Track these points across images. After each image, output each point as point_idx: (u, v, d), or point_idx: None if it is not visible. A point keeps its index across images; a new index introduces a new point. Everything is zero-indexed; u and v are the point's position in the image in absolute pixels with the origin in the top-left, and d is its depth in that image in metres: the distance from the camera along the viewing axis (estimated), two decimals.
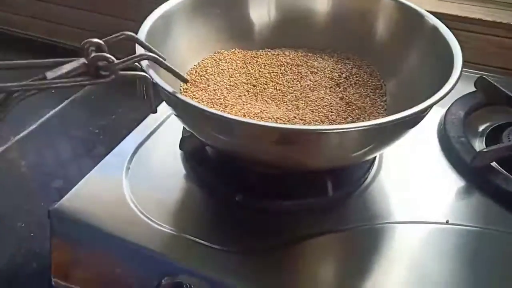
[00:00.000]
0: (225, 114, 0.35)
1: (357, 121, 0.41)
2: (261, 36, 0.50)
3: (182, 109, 0.37)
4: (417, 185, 0.42)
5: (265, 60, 0.48)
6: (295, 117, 0.40)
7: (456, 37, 0.40)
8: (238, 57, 0.48)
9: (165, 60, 0.36)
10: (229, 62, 0.47)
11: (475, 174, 0.42)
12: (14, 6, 0.84)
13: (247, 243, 0.37)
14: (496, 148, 0.42)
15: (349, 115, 0.41)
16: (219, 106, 0.42)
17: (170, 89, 0.34)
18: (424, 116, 0.36)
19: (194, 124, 0.38)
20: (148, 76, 0.33)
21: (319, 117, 0.41)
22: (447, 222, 0.38)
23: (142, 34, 0.39)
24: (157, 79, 0.34)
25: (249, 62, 0.48)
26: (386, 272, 0.36)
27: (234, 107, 0.41)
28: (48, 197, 0.56)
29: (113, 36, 0.33)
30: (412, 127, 0.36)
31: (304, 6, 0.50)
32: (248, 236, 0.38)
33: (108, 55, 0.30)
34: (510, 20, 0.56)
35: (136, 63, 0.34)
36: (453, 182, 0.42)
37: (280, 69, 0.47)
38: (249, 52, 0.49)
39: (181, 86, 0.44)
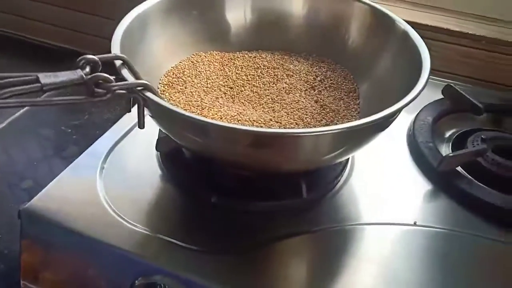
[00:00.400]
0: (202, 118, 0.35)
1: (331, 124, 0.42)
2: (238, 38, 0.51)
3: (158, 112, 0.37)
4: (386, 188, 0.43)
5: (242, 63, 0.49)
6: (271, 120, 0.41)
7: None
8: (216, 59, 0.49)
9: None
10: (206, 64, 0.48)
11: (441, 178, 0.43)
12: None
13: (222, 243, 0.37)
14: (461, 153, 0.44)
15: (324, 118, 0.43)
16: (196, 108, 0.42)
17: (154, 97, 0.34)
18: (393, 120, 0.37)
19: (169, 127, 0.38)
20: (143, 97, 0.34)
21: (294, 120, 0.42)
22: (415, 224, 0.40)
23: (117, 36, 0.39)
24: (151, 96, 0.34)
25: (227, 64, 0.48)
26: (356, 271, 0.37)
27: (211, 110, 0.42)
28: (17, 198, 0.54)
29: (106, 55, 0.35)
30: (382, 130, 0.37)
31: (280, 9, 0.51)
32: (223, 236, 0.38)
33: (107, 76, 0.32)
34: (476, 31, 0.59)
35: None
36: (421, 185, 0.44)
37: (256, 72, 0.48)
38: (226, 54, 0.50)
39: (158, 88, 0.44)
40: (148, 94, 0.34)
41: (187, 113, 0.35)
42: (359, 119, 0.43)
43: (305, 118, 0.42)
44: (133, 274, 0.36)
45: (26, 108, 0.68)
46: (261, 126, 0.40)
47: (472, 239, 0.39)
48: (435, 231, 0.39)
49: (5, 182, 0.56)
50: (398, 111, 0.36)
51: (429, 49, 0.41)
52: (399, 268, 0.37)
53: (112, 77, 0.32)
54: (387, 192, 0.43)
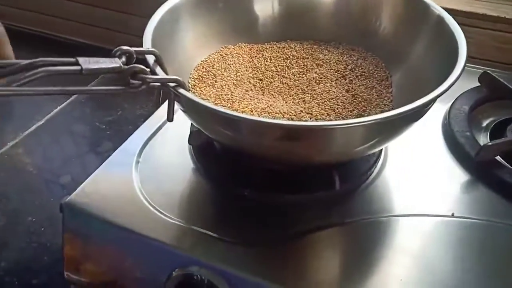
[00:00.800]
0: (232, 112, 0.36)
1: (364, 113, 0.41)
2: (266, 29, 0.50)
3: (190, 107, 0.37)
4: (422, 179, 0.42)
5: (271, 54, 0.49)
6: (301, 111, 0.41)
7: None
8: (244, 51, 0.49)
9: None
10: (235, 56, 0.48)
11: (479, 168, 0.42)
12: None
13: (255, 235, 0.38)
14: (501, 142, 0.43)
15: (355, 107, 0.42)
16: (227, 102, 0.42)
17: (186, 93, 0.35)
18: (428, 109, 0.36)
19: (201, 121, 0.39)
20: (175, 92, 0.35)
21: (325, 110, 0.41)
22: (452, 215, 0.39)
23: (149, 31, 0.40)
24: (183, 91, 0.35)
25: (255, 56, 0.48)
26: (391, 263, 0.36)
27: (241, 103, 0.42)
28: (56, 193, 0.56)
29: (140, 48, 0.35)
30: (417, 120, 0.37)
31: None
32: (256, 228, 0.38)
33: (144, 67, 0.32)
34: None
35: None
36: (457, 176, 0.42)
37: (286, 62, 0.48)
38: (255, 45, 0.49)
39: (189, 83, 0.45)
40: (181, 90, 0.34)
41: (217, 108, 0.35)
42: (392, 108, 0.42)
43: (337, 108, 0.42)
44: (170, 266, 0.36)
45: (61, 106, 0.70)
46: (292, 118, 0.40)
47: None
48: (473, 222, 0.38)
49: (43, 178, 0.59)
50: (433, 100, 0.35)
51: (464, 36, 0.40)
52: (435, 260, 0.36)
53: (144, 70, 0.33)
54: (422, 183, 0.42)
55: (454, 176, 0.43)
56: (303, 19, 0.50)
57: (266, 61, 0.48)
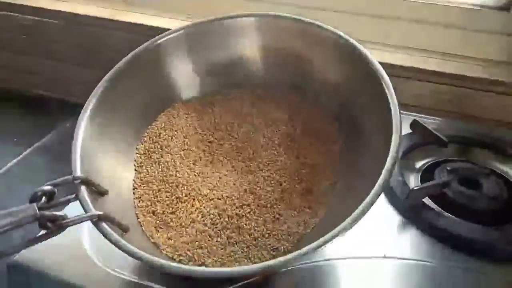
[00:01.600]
0: (150, 258, 0.34)
1: (311, 188, 0.42)
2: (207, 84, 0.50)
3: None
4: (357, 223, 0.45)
5: (220, 108, 0.48)
6: (246, 190, 0.42)
7: (397, 83, 0.40)
8: (194, 109, 0.48)
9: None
10: (182, 118, 0.48)
11: (410, 211, 0.45)
12: None
13: None
14: (427, 186, 0.46)
15: (303, 179, 0.43)
16: (170, 185, 0.43)
17: (115, 238, 0.35)
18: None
19: None
20: (97, 227, 0.35)
21: (271, 187, 0.43)
22: (384, 256, 0.42)
23: (76, 159, 0.38)
24: (103, 229, 0.35)
25: (205, 112, 0.48)
26: None
27: (184, 187, 0.43)
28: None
29: (65, 178, 0.36)
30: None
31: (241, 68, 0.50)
32: None
33: (59, 214, 0.32)
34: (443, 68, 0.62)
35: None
36: (391, 218, 0.45)
37: (235, 120, 0.48)
38: (202, 102, 0.49)
39: (135, 161, 0.45)
40: (102, 225, 0.35)
41: (134, 251, 0.34)
42: (337, 178, 0.43)
43: (283, 182, 0.43)
44: None
45: (18, 158, 0.70)
46: (234, 204, 0.41)
47: (440, 269, 0.41)
48: (404, 262, 0.41)
49: None
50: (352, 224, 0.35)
51: (400, 87, 0.41)
52: None
53: (70, 200, 0.34)
54: (357, 226, 0.44)
55: (388, 219, 0.46)
56: (235, 72, 0.50)
57: (216, 119, 0.48)
